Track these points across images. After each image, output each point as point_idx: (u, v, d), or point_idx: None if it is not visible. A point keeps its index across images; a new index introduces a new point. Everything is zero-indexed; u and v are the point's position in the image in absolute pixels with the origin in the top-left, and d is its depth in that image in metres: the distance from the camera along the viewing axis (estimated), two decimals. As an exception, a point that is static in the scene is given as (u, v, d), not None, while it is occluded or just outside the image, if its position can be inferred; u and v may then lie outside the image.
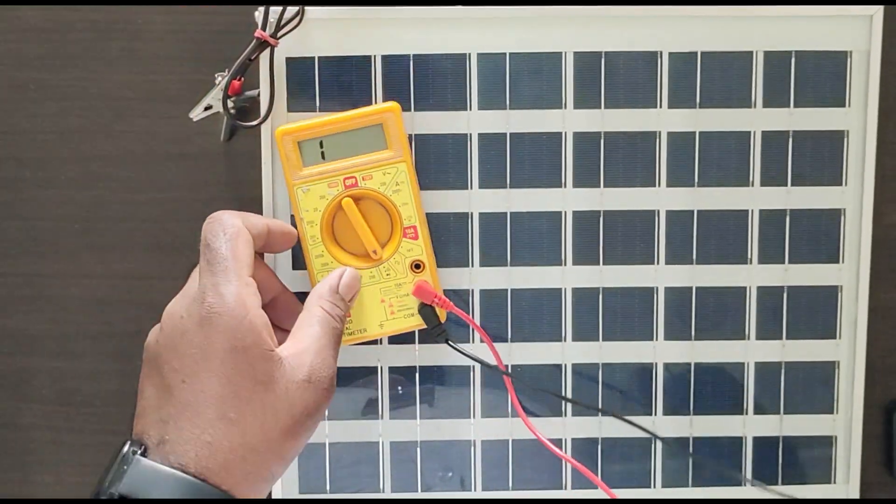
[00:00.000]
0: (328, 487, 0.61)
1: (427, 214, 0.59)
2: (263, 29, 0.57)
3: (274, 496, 0.61)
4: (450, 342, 0.59)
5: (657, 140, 0.59)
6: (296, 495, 0.61)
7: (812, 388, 0.61)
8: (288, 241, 0.56)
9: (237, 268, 0.49)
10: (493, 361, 0.58)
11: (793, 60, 0.59)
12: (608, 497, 0.56)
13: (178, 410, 0.47)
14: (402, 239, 0.58)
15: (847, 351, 0.61)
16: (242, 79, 0.58)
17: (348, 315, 0.57)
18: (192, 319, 0.48)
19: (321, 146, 0.57)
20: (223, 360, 0.47)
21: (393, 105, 0.57)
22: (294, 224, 0.58)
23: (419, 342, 0.61)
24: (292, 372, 0.49)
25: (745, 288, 0.60)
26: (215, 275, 0.49)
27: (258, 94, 0.58)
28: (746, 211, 0.60)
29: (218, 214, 0.52)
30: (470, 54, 0.59)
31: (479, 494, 0.61)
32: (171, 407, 0.47)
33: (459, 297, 0.60)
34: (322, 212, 0.58)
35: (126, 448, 0.47)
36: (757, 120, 0.59)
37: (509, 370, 0.60)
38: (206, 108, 0.59)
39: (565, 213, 0.60)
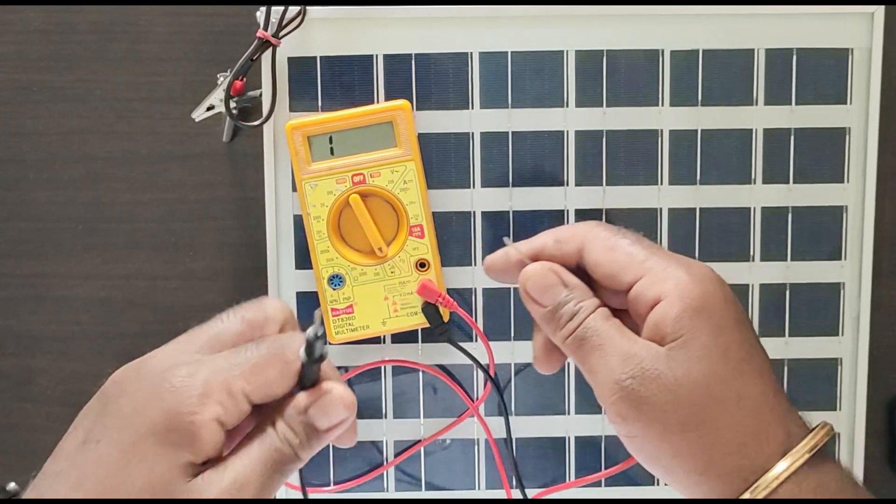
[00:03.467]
0: (331, 486, 0.61)
1: (430, 213, 0.59)
2: (265, 29, 0.57)
3: (277, 496, 0.61)
4: (452, 341, 0.59)
5: (659, 138, 0.60)
6: (298, 495, 0.61)
7: (815, 385, 0.61)
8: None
9: (239, 374, 0.42)
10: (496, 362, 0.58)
11: (794, 58, 0.59)
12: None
13: (72, 471, 0.42)
14: (409, 237, 0.58)
15: (850, 348, 0.61)
16: (244, 79, 0.58)
17: (315, 447, 0.44)
18: (153, 379, 0.42)
19: (330, 142, 0.57)
20: (138, 440, 0.41)
21: (403, 103, 0.57)
22: (301, 220, 0.58)
23: (422, 341, 0.61)
24: (197, 491, 0.41)
25: (747, 285, 0.60)
26: (216, 360, 0.42)
27: (260, 95, 0.59)
28: (748, 208, 0.60)
29: (290, 318, 0.45)
30: (472, 53, 0.59)
31: (483, 494, 0.61)
32: (72, 463, 0.42)
33: (462, 296, 0.60)
34: (329, 207, 0.58)
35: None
36: (758, 117, 0.59)
37: (513, 368, 0.61)
38: (209, 109, 0.60)
39: (568, 211, 0.60)
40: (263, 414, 0.44)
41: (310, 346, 0.42)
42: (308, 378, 0.44)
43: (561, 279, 0.46)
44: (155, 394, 0.41)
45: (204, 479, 0.41)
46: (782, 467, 0.41)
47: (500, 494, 0.61)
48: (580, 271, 0.47)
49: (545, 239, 0.48)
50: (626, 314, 0.46)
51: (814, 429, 0.43)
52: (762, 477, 0.41)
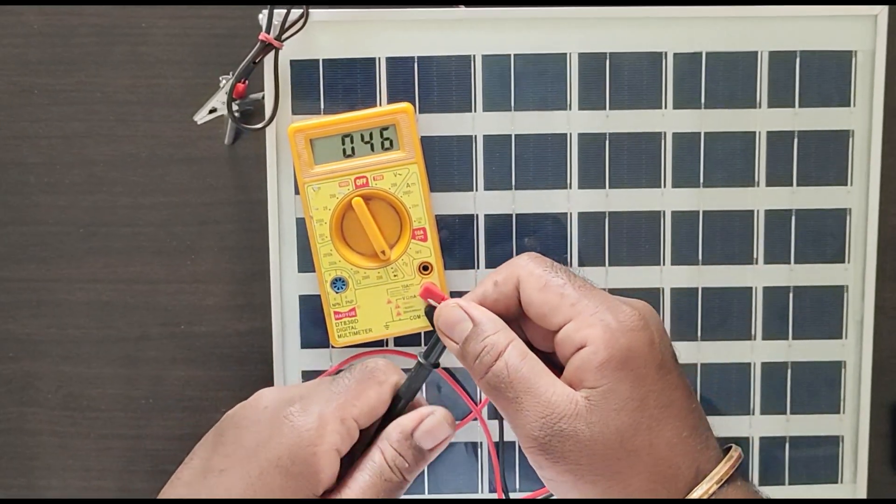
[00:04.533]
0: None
1: (432, 216, 0.59)
2: (267, 32, 0.57)
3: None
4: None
5: (662, 141, 0.59)
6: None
7: (818, 388, 0.61)
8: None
9: (344, 401, 0.46)
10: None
11: (797, 60, 0.59)
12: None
13: (194, 497, 0.45)
14: (412, 240, 0.58)
15: (853, 351, 0.61)
16: (247, 82, 0.58)
17: (421, 466, 0.47)
18: (269, 412, 0.45)
19: (333, 145, 0.57)
20: (264, 472, 0.44)
21: (406, 106, 0.57)
22: (304, 223, 0.58)
23: (425, 344, 0.60)
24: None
25: (750, 288, 0.60)
26: (320, 392, 0.46)
27: (262, 97, 0.58)
28: (752, 211, 0.60)
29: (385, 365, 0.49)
30: (474, 56, 0.59)
31: (484, 495, 0.61)
32: (195, 490, 0.45)
33: (465, 299, 0.60)
34: (332, 210, 0.57)
35: None
36: (762, 120, 0.59)
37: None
38: (211, 112, 0.59)
39: (570, 214, 0.60)
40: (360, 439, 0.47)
41: (431, 349, 0.47)
42: (413, 386, 0.48)
43: (468, 314, 0.46)
44: (274, 427, 0.45)
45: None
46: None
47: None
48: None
49: (486, 283, 0.48)
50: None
51: (723, 459, 0.44)
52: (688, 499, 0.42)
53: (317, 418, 0.45)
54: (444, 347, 0.48)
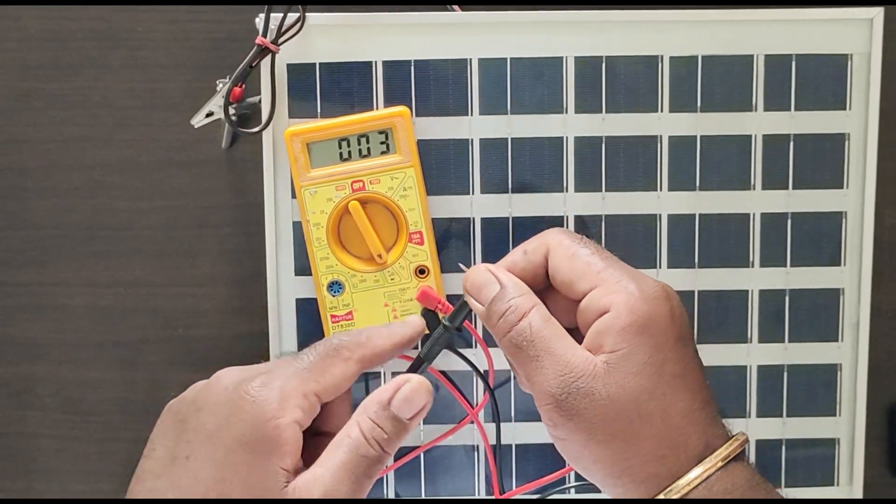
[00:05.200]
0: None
1: (429, 220, 0.59)
2: (264, 36, 0.57)
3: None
4: (452, 348, 0.59)
5: (658, 144, 0.60)
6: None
7: (815, 391, 0.61)
8: (415, 338, 0.51)
9: (306, 378, 0.45)
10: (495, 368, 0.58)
11: (793, 64, 0.59)
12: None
13: (168, 488, 0.44)
14: (408, 244, 0.58)
15: (849, 353, 0.61)
16: (244, 85, 0.58)
17: (401, 437, 0.47)
18: (229, 392, 0.45)
19: (330, 148, 0.57)
20: (229, 452, 0.44)
21: (402, 110, 0.57)
22: (300, 227, 0.59)
23: (421, 347, 0.61)
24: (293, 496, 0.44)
25: (747, 291, 0.60)
26: (282, 368, 0.46)
27: (259, 101, 0.59)
28: (748, 214, 0.60)
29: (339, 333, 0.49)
30: (471, 59, 0.59)
31: (482, 496, 0.62)
32: (165, 481, 0.45)
33: (462, 302, 0.60)
34: (328, 214, 0.58)
35: None
36: (758, 123, 0.59)
37: (513, 374, 0.60)
38: (208, 115, 0.60)
39: (567, 217, 0.60)
40: (335, 413, 0.48)
41: (457, 312, 0.49)
42: (435, 349, 0.50)
43: (495, 277, 0.47)
44: (235, 406, 0.44)
45: (297, 488, 0.43)
46: (695, 474, 0.43)
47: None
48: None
49: (516, 252, 0.49)
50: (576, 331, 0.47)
51: (730, 438, 0.45)
52: (675, 482, 0.43)
53: (278, 393, 0.44)
54: (469, 311, 0.49)
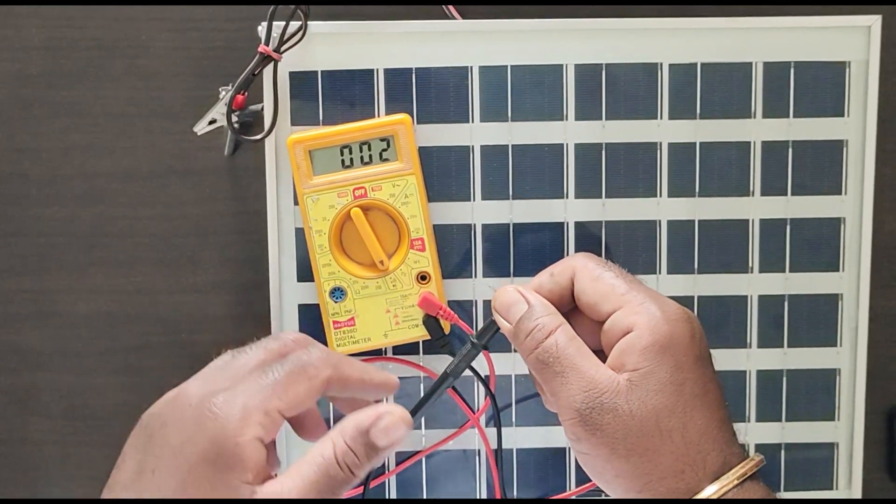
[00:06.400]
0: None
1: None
2: (267, 44, 0.57)
3: None
4: (453, 353, 0.59)
5: (658, 151, 0.60)
6: None
7: (814, 396, 0.61)
8: (385, 390, 0.50)
9: (269, 395, 0.45)
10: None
11: (792, 71, 0.59)
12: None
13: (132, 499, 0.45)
14: (410, 250, 0.59)
15: (848, 358, 0.61)
16: (246, 93, 0.58)
17: (372, 464, 0.46)
18: (193, 408, 0.45)
19: (332, 156, 0.58)
20: (193, 468, 0.44)
21: (404, 117, 0.58)
22: (303, 234, 0.59)
23: (423, 353, 0.61)
24: None
25: (746, 297, 0.61)
26: (243, 382, 0.45)
27: (262, 109, 0.59)
28: (747, 220, 0.60)
29: (309, 340, 0.48)
30: (472, 67, 0.59)
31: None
32: (132, 493, 0.45)
33: (463, 308, 0.60)
34: (331, 221, 0.58)
35: None
36: (757, 130, 0.60)
37: (514, 380, 0.61)
38: (210, 123, 0.60)
39: (568, 223, 0.60)
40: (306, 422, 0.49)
41: (485, 331, 0.51)
42: (461, 366, 0.52)
43: (523, 297, 0.49)
44: (198, 422, 0.44)
45: (264, 495, 0.43)
46: (712, 490, 0.45)
47: None
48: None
49: (542, 275, 0.51)
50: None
51: (746, 458, 0.46)
52: (693, 498, 0.45)
53: (240, 410, 0.44)
54: (497, 329, 0.51)
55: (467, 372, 0.59)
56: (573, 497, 0.61)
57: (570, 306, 0.50)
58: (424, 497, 0.62)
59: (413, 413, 0.50)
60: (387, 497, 0.62)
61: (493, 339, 0.51)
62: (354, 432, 0.45)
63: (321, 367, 0.47)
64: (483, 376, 0.59)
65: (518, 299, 0.49)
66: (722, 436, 0.46)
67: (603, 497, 0.62)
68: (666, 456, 0.45)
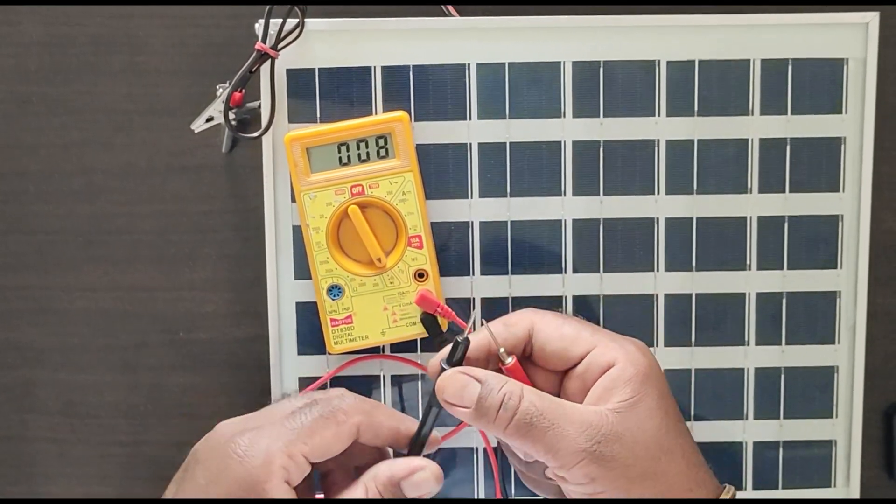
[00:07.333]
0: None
1: (428, 224, 0.59)
2: (264, 41, 0.57)
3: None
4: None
5: (656, 148, 0.60)
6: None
7: (811, 393, 0.61)
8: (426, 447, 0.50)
9: (293, 439, 0.45)
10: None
11: (790, 68, 0.59)
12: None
13: None
14: (407, 248, 0.59)
15: (846, 356, 0.61)
16: (243, 91, 0.58)
17: None
18: (220, 448, 0.46)
19: (329, 153, 0.58)
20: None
21: (401, 115, 0.58)
22: (300, 231, 0.59)
23: (421, 351, 0.61)
24: None
25: (744, 294, 0.61)
26: (273, 427, 0.46)
27: (259, 106, 0.59)
28: (745, 218, 0.60)
29: (347, 393, 0.49)
30: (469, 64, 0.59)
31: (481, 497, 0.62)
32: None
33: (460, 305, 0.60)
34: (328, 218, 0.58)
35: None
36: (754, 127, 0.60)
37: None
38: (208, 120, 0.60)
39: (565, 221, 0.60)
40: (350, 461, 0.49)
41: (454, 350, 0.49)
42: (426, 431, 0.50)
43: (473, 377, 0.48)
44: (224, 463, 0.45)
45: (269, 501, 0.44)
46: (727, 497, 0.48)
47: (499, 503, 0.62)
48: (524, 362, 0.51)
49: (495, 324, 0.51)
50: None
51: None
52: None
53: (264, 454, 0.45)
54: (467, 345, 0.49)
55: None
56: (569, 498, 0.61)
57: (521, 358, 0.51)
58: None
59: (411, 450, 0.50)
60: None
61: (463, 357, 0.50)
62: (387, 481, 0.47)
63: (351, 413, 0.47)
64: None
65: (467, 380, 0.48)
66: (703, 459, 0.49)
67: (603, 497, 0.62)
68: (674, 476, 0.47)
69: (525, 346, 0.51)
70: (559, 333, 0.50)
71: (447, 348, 0.49)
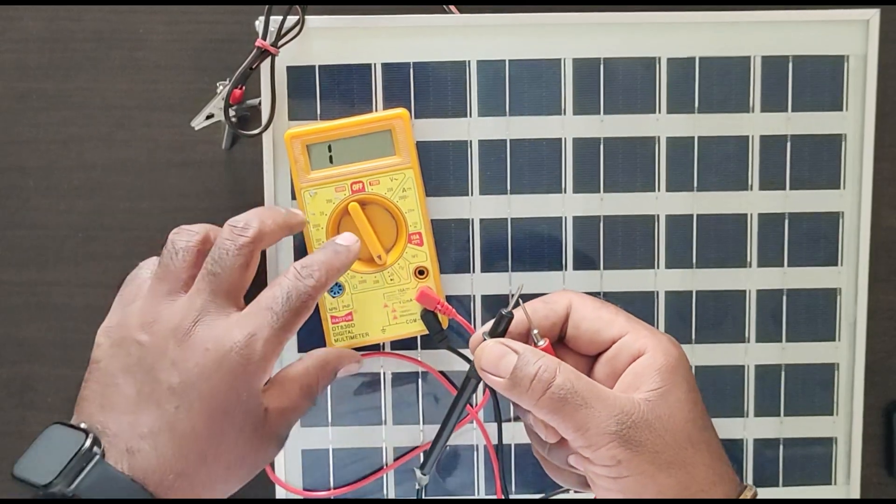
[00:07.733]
0: (331, 489, 0.61)
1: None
2: (264, 38, 0.57)
3: (277, 496, 0.61)
4: (451, 348, 0.59)
5: (656, 145, 0.60)
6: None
7: (812, 390, 0.61)
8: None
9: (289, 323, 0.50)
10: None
11: (790, 65, 0.59)
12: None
13: (161, 431, 0.47)
14: (407, 245, 0.58)
15: (846, 353, 0.61)
16: (244, 87, 0.58)
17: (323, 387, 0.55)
18: (216, 353, 0.49)
19: (329, 150, 0.58)
20: (221, 404, 0.48)
21: (402, 112, 0.58)
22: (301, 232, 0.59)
23: (421, 348, 0.61)
24: (271, 429, 0.51)
25: (744, 291, 0.61)
26: (280, 322, 0.50)
27: (259, 103, 0.59)
28: (745, 215, 0.60)
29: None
30: (469, 61, 0.59)
31: (482, 496, 0.62)
32: (154, 423, 0.47)
33: (460, 303, 0.60)
34: (328, 216, 0.58)
35: (88, 444, 0.47)
36: (755, 124, 0.60)
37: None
38: (208, 117, 0.60)
39: (565, 218, 0.60)
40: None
41: (498, 323, 0.50)
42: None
43: (511, 348, 0.49)
44: (219, 365, 0.48)
45: (272, 414, 0.51)
46: (747, 496, 0.48)
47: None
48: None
49: (535, 302, 0.52)
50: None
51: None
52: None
53: (267, 343, 0.50)
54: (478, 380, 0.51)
55: (465, 366, 0.59)
56: (569, 498, 0.61)
57: (556, 339, 0.51)
58: (424, 495, 0.62)
59: (426, 460, 0.54)
60: (385, 493, 0.62)
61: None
62: (323, 371, 0.55)
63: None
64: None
65: (505, 351, 0.49)
66: (725, 453, 0.49)
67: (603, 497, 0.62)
68: (700, 468, 0.47)
69: (562, 326, 0.51)
70: (596, 314, 0.50)
71: (491, 322, 0.50)
